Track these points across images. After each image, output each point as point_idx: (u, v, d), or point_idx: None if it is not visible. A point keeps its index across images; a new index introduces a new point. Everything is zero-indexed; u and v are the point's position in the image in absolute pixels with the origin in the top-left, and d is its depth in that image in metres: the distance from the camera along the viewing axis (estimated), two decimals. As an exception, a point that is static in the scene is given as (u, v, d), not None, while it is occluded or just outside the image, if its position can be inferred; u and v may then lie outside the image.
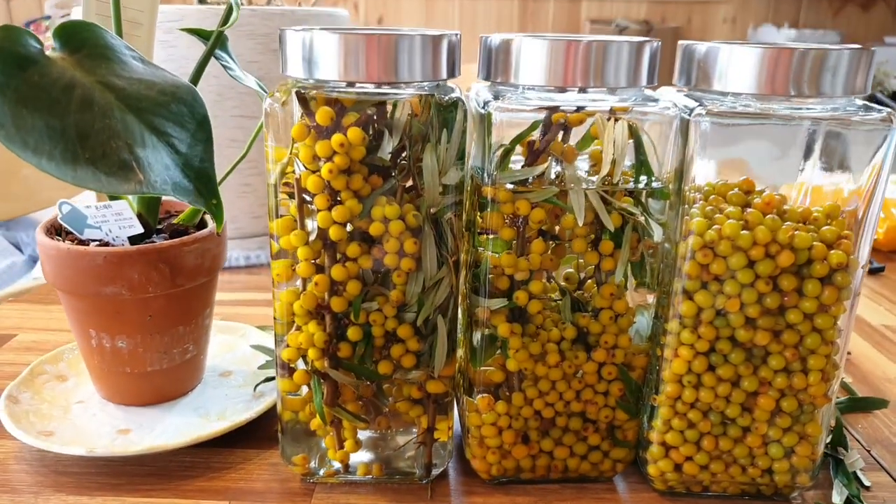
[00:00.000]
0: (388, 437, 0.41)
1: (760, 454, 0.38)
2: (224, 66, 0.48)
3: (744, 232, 0.35)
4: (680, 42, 0.38)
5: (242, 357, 0.53)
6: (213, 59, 0.47)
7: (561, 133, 0.36)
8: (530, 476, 0.41)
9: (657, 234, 0.37)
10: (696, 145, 0.35)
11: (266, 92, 0.45)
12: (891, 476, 0.42)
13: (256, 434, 0.45)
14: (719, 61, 0.35)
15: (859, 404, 0.47)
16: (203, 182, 0.32)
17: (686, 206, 0.36)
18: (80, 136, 0.29)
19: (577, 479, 0.41)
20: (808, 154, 0.36)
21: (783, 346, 0.36)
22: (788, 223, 0.35)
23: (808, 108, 0.35)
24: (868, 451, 0.44)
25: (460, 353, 0.41)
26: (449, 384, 0.39)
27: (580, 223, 0.35)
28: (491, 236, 0.37)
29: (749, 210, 0.35)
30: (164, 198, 0.48)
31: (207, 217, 0.48)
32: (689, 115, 0.35)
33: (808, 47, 0.33)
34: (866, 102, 0.36)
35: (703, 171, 0.36)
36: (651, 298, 0.39)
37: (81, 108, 0.30)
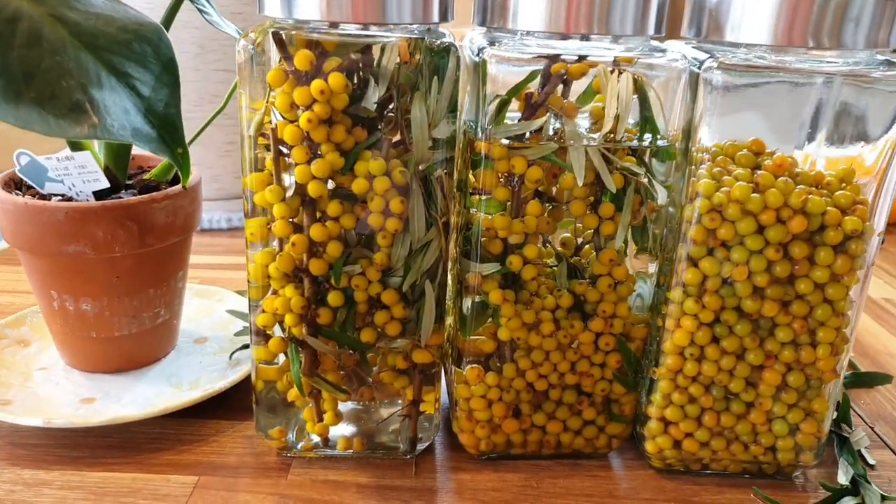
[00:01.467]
0: (371, 410, 0.39)
1: (764, 431, 0.36)
2: (200, 10, 0.44)
3: (754, 195, 0.32)
4: None
5: (219, 322, 0.50)
6: (192, 7, 0.43)
7: (561, 87, 0.33)
8: (521, 452, 0.38)
9: (661, 196, 0.34)
10: (707, 101, 0.32)
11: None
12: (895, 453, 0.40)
13: (231, 404, 0.42)
14: (732, 10, 0.32)
15: (862, 379, 0.45)
16: (168, 129, 0.29)
17: (693, 166, 0.34)
18: (26, 73, 0.26)
19: (570, 455, 0.39)
20: (822, 118, 0.33)
21: (792, 317, 0.34)
22: (801, 186, 0.32)
23: (827, 61, 0.32)
24: (872, 428, 0.43)
25: (449, 320, 0.39)
26: (437, 354, 0.37)
27: (580, 183, 0.32)
28: (484, 196, 0.34)
29: (760, 172, 0.33)
30: (134, 151, 0.45)
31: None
32: (699, 67, 0.32)
33: None
34: (889, 58, 0.33)
35: (713, 130, 0.33)
36: (653, 266, 0.36)
37: (28, 42, 0.27)
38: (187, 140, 0.44)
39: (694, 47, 0.35)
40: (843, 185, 0.33)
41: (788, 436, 0.36)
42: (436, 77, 0.32)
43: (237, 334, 0.47)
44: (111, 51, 0.29)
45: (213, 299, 0.53)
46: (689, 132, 0.34)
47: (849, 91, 0.32)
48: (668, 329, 0.35)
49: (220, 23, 0.45)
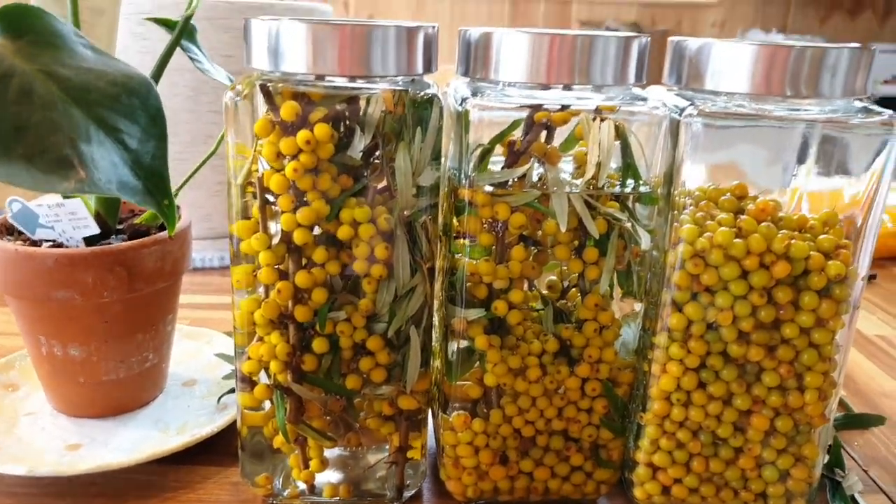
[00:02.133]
0: (359, 456, 0.39)
1: (754, 477, 0.36)
2: (192, 59, 0.45)
3: (737, 240, 0.32)
4: (670, 38, 0.35)
5: (208, 365, 0.50)
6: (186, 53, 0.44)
7: (544, 133, 0.34)
8: (508, 498, 0.38)
9: (644, 241, 0.34)
10: (687, 147, 0.33)
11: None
12: (890, 500, 0.40)
13: (218, 449, 0.42)
14: (712, 59, 0.33)
15: (855, 421, 0.45)
16: (154, 181, 0.29)
17: (675, 211, 0.34)
18: (16, 129, 0.27)
19: (558, 501, 0.38)
20: (803, 158, 0.34)
21: (778, 362, 0.34)
22: (784, 231, 0.33)
23: (804, 110, 0.32)
24: (865, 472, 0.42)
25: (436, 362, 0.39)
26: (423, 400, 0.36)
27: (563, 229, 0.33)
28: (468, 241, 0.34)
29: (742, 217, 0.33)
30: (124, 196, 0.45)
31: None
32: (680, 115, 0.33)
33: (805, 45, 0.31)
34: (866, 104, 0.34)
35: (694, 175, 0.34)
36: (638, 308, 0.36)
37: (19, 98, 0.27)
38: (180, 181, 0.45)
39: (675, 94, 0.36)
40: (827, 228, 0.34)
41: (779, 482, 0.36)
42: (419, 126, 0.32)
43: (225, 377, 0.47)
44: (101, 104, 0.29)
45: (201, 341, 0.53)
46: (671, 177, 0.34)
47: (828, 134, 0.33)
48: (655, 374, 0.35)
49: (210, 70, 0.46)
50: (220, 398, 0.45)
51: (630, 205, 0.35)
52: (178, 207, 0.47)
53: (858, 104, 0.33)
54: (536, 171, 0.34)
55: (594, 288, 0.35)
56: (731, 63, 0.32)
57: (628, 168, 0.34)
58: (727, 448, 0.36)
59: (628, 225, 0.34)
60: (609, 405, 0.36)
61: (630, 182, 0.34)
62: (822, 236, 0.33)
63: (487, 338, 0.35)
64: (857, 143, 0.33)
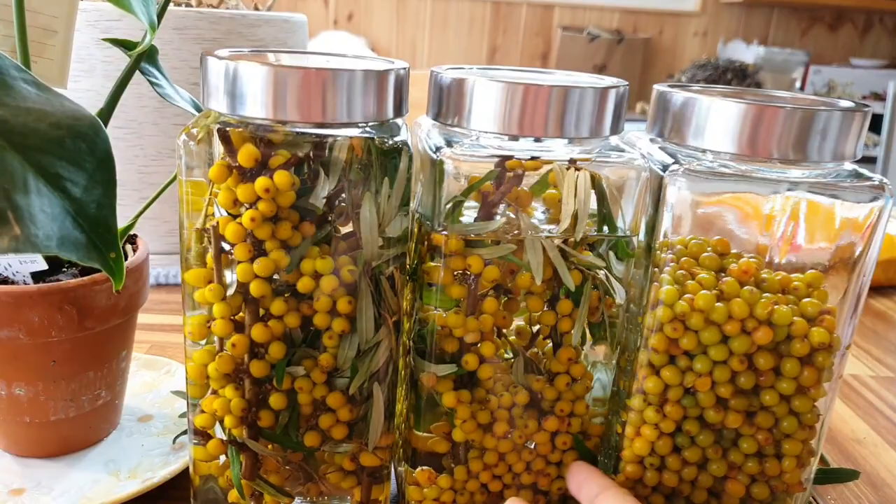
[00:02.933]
0: (319, 506, 0.37)
1: None
2: (152, 84, 0.43)
3: (718, 304, 0.31)
4: (655, 86, 0.34)
5: (166, 399, 0.48)
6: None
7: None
8: (474, 558, 0.37)
9: (619, 295, 0.33)
10: (669, 205, 0.31)
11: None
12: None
13: (172, 493, 0.40)
14: (696, 115, 0.31)
15: (831, 476, 0.44)
16: (99, 233, 0.27)
17: (656, 269, 0.33)
18: (-57, 179, 0.24)
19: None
20: (785, 216, 0.32)
21: (756, 428, 0.33)
22: (767, 295, 0.31)
23: (790, 173, 0.31)
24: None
25: (400, 409, 0.37)
26: (385, 457, 0.35)
27: (538, 282, 0.31)
28: (438, 291, 0.33)
29: (725, 278, 0.32)
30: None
31: (130, 247, 0.44)
32: (664, 171, 0.31)
33: (795, 107, 0.30)
34: (856, 168, 0.33)
35: (676, 231, 0.32)
36: (605, 354, 0.35)
37: (-53, 143, 0.25)
38: (148, 199, 0.43)
39: (659, 147, 0.34)
40: (811, 290, 0.32)
41: None
42: (387, 177, 0.31)
43: (182, 415, 0.45)
44: (41, 150, 0.27)
45: (160, 371, 0.51)
46: (651, 231, 0.33)
47: (812, 195, 0.32)
48: (628, 436, 0.34)
49: (173, 96, 0.43)
50: (175, 437, 0.43)
51: (606, 255, 0.33)
52: (135, 236, 0.45)
53: (849, 167, 0.32)
54: (509, 214, 0.32)
55: (566, 340, 0.34)
56: (717, 122, 0.31)
57: (604, 218, 0.33)
58: None
59: (603, 276, 0.33)
60: (579, 458, 0.35)
61: (605, 233, 0.33)
62: (805, 300, 0.32)
63: (456, 394, 0.33)
64: (842, 208, 0.32)
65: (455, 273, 0.33)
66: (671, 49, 3.05)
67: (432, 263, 0.32)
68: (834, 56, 3.05)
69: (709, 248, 0.33)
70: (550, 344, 0.34)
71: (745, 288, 0.31)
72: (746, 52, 2.80)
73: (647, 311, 0.32)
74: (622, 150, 0.32)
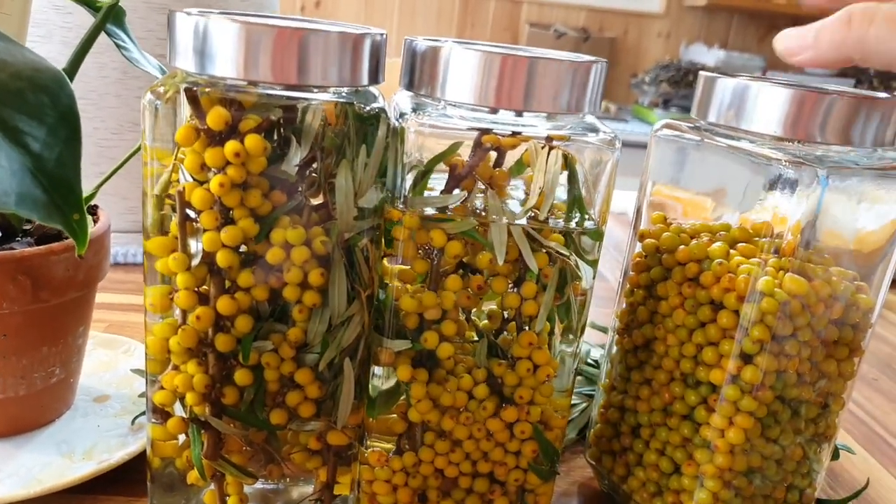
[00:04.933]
0: (282, 490, 0.36)
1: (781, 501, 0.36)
2: (119, 46, 0.41)
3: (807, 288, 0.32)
4: (701, 73, 0.35)
5: (124, 378, 0.46)
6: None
7: (495, 156, 0.32)
8: (433, 541, 0.36)
9: (587, 278, 0.33)
10: (795, 199, 0.31)
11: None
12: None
13: (131, 476, 0.38)
14: (750, 100, 0.32)
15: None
16: (61, 192, 0.26)
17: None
18: None
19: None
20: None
21: (815, 394, 0.34)
22: (833, 273, 0.33)
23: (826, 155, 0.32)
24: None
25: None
26: (353, 435, 0.34)
27: (499, 262, 0.30)
28: (398, 266, 0.32)
29: (775, 259, 0.32)
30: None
31: (90, 217, 0.42)
32: (782, 164, 0.31)
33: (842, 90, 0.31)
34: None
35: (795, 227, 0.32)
36: (573, 347, 0.34)
37: None
38: (107, 173, 0.41)
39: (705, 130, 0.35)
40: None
41: (798, 502, 0.37)
42: (364, 143, 0.30)
43: (141, 395, 0.44)
44: (1, 101, 0.26)
45: (118, 350, 0.49)
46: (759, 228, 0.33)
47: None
48: (718, 427, 0.34)
49: (140, 60, 0.42)
50: (134, 418, 0.42)
51: (575, 238, 0.33)
52: (96, 207, 0.43)
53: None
54: (480, 197, 0.32)
55: (531, 324, 0.33)
56: (769, 105, 0.31)
57: (574, 201, 0.32)
58: (768, 483, 0.36)
59: (572, 261, 0.32)
60: (539, 449, 0.34)
61: (575, 215, 0.33)
62: (834, 268, 0.33)
63: (412, 371, 0.32)
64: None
65: (418, 248, 0.32)
66: (635, 49, 3.08)
67: (392, 239, 0.31)
68: (789, 63, 3.12)
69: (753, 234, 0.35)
70: (516, 333, 0.34)
71: (816, 267, 0.32)
72: (707, 55, 2.84)
73: (741, 304, 0.33)
74: (597, 130, 0.32)
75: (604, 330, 0.60)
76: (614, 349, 0.41)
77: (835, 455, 0.43)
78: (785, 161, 0.31)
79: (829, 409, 0.35)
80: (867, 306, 0.34)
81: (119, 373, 0.47)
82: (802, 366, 0.33)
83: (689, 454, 0.36)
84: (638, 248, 0.39)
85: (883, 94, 0.32)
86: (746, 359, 0.33)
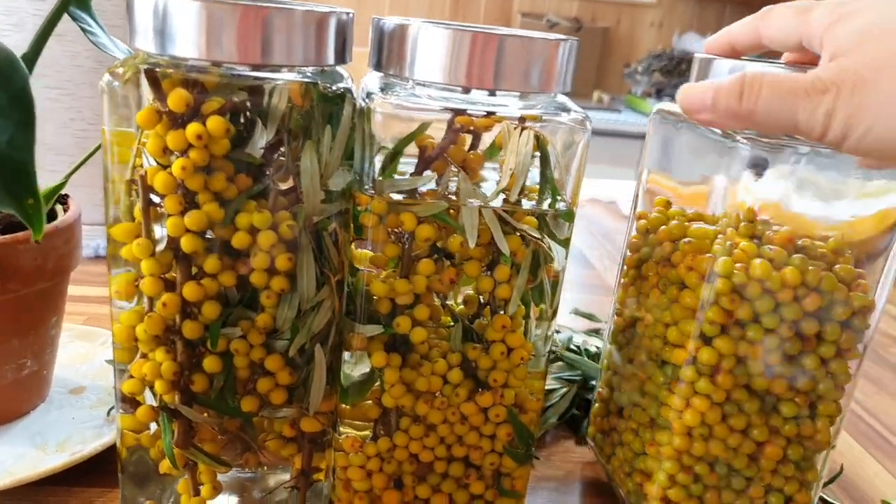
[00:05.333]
0: (259, 477, 0.36)
1: None
2: (84, 31, 0.40)
3: (774, 273, 0.31)
4: (696, 55, 0.35)
5: (100, 370, 0.46)
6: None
7: (470, 139, 0.31)
8: (407, 526, 0.35)
9: (559, 260, 0.32)
10: (735, 173, 0.31)
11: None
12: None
13: (105, 467, 0.38)
14: None
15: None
16: (13, 176, 0.25)
17: (708, 241, 0.33)
18: None
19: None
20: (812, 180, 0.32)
21: (795, 392, 0.33)
22: (813, 263, 0.31)
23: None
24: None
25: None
26: (327, 421, 0.33)
27: (471, 245, 0.30)
28: (367, 251, 0.31)
29: (770, 247, 0.32)
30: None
31: (60, 207, 0.41)
32: (728, 139, 0.31)
33: None
34: None
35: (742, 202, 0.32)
36: (545, 330, 0.34)
37: None
38: (78, 162, 0.40)
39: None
40: (837, 256, 0.33)
41: None
42: (329, 125, 0.29)
43: (117, 387, 0.43)
44: (-54, 83, 0.25)
45: (96, 342, 0.49)
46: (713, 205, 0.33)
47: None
48: (677, 408, 0.33)
49: (108, 45, 0.41)
50: (110, 410, 0.41)
51: (547, 220, 0.32)
52: (67, 196, 0.42)
53: None
54: (454, 180, 0.31)
55: (505, 308, 0.32)
56: None
57: (546, 182, 0.32)
58: (740, 478, 0.35)
59: (544, 243, 0.32)
60: (513, 432, 0.34)
61: (547, 197, 0.32)
62: (837, 266, 0.32)
63: (386, 356, 0.32)
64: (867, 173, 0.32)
65: (389, 232, 0.31)
66: (628, 39, 3.07)
67: (361, 224, 0.31)
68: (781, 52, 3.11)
69: (743, 218, 0.33)
70: (490, 317, 0.33)
71: (794, 256, 0.31)
72: (700, 44, 2.84)
73: (700, 284, 0.32)
74: (568, 110, 0.31)
75: (590, 317, 0.60)
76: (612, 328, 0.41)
77: (837, 475, 0.42)
78: (745, 142, 0.30)
79: (816, 412, 0.34)
80: (861, 304, 0.32)
81: (96, 364, 0.46)
82: (771, 356, 0.32)
83: (653, 435, 0.35)
84: (635, 231, 0.39)
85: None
86: (707, 341, 0.32)
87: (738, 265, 0.31)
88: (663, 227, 0.37)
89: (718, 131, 0.32)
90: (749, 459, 0.34)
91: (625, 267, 0.40)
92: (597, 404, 0.42)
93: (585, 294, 0.72)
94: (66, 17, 0.37)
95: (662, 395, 0.34)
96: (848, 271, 0.32)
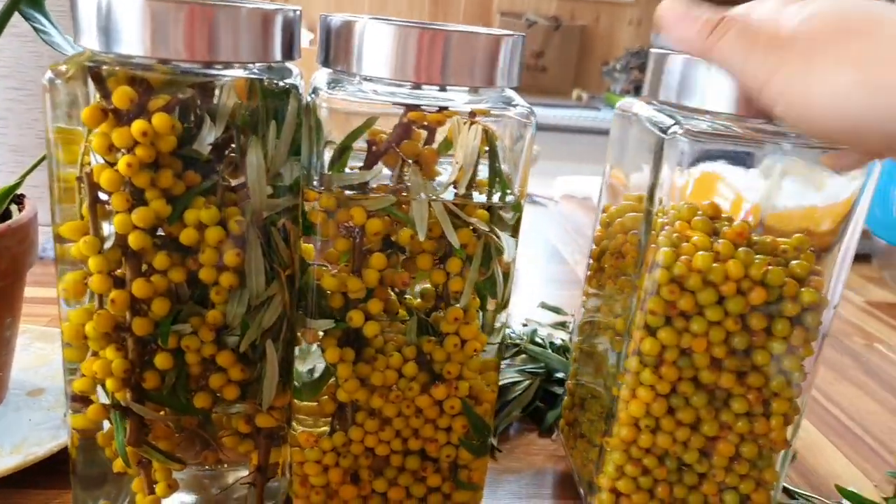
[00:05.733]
0: (218, 475, 0.36)
1: (715, 502, 0.35)
2: (37, 30, 0.40)
3: (715, 265, 0.31)
4: (652, 51, 0.35)
5: (59, 372, 0.45)
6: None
7: (425, 134, 0.31)
8: (364, 520, 0.36)
9: (509, 251, 0.32)
10: (671, 166, 0.31)
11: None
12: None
13: (63, 468, 0.38)
14: (696, 77, 0.32)
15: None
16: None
17: (654, 232, 0.32)
18: None
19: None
20: (775, 177, 0.33)
21: (747, 388, 0.33)
22: (760, 257, 0.32)
23: (784, 133, 0.32)
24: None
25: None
26: (282, 417, 0.34)
27: (421, 238, 0.30)
28: (309, 245, 0.31)
29: (720, 241, 0.32)
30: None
31: (15, 207, 0.41)
32: (664, 133, 0.31)
33: None
34: None
35: (675, 194, 0.32)
36: (502, 321, 0.34)
37: None
38: (31, 163, 0.40)
39: (656, 109, 0.34)
40: (798, 253, 0.33)
41: None
42: (275, 120, 0.29)
43: (77, 387, 0.43)
44: None
45: (56, 344, 0.48)
46: (651, 196, 0.33)
47: (800, 156, 0.32)
48: (624, 398, 0.34)
49: (63, 45, 0.41)
50: (67, 411, 0.41)
51: (497, 213, 0.33)
52: (23, 196, 0.42)
53: None
54: (407, 174, 0.31)
55: (459, 300, 0.33)
56: (715, 83, 0.31)
57: (495, 175, 0.32)
58: (691, 474, 0.35)
59: (495, 236, 0.32)
60: (469, 424, 0.34)
61: (496, 190, 0.32)
62: (794, 262, 0.32)
63: (340, 350, 0.32)
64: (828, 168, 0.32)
65: (339, 227, 0.31)
66: (607, 37, 3.09)
67: (310, 219, 0.31)
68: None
69: (700, 212, 0.33)
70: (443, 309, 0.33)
71: (740, 249, 0.31)
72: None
73: (643, 275, 0.32)
74: (516, 103, 0.32)
75: (556, 310, 0.61)
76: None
77: (791, 458, 0.41)
78: (684, 135, 0.31)
79: (770, 409, 0.34)
80: (811, 300, 0.32)
81: (55, 366, 0.46)
82: (716, 349, 0.32)
83: (607, 427, 0.36)
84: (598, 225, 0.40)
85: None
86: (652, 332, 0.33)
87: (683, 257, 0.31)
88: (619, 219, 0.37)
89: (661, 126, 0.32)
90: (700, 455, 0.34)
91: (590, 260, 0.40)
92: (566, 397, 0.43)
93: (557, 289, 0.73)
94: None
95: (613, 386, 0.35)
96: (803, 267, 0.32)
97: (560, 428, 0.44)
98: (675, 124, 0.31)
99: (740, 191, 0.34)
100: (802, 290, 0.32)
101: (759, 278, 0.31)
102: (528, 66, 2.86)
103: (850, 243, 0.33)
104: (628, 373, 0.33)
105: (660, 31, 0.30)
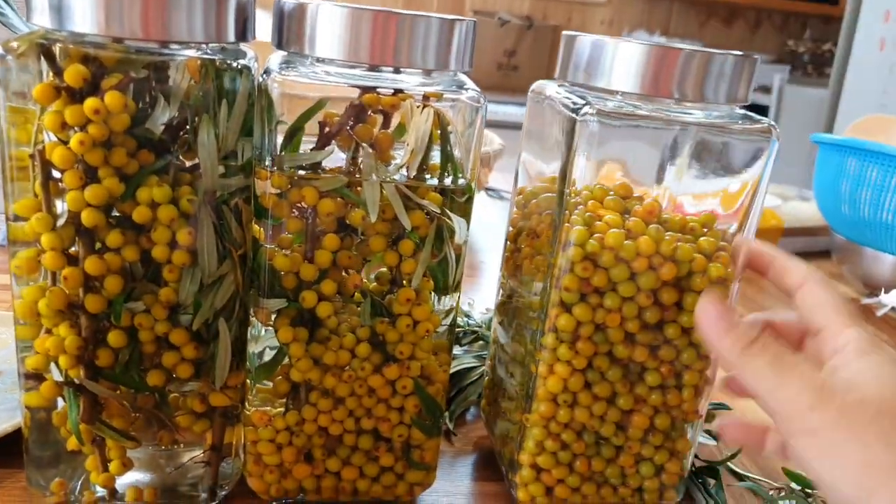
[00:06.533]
0: (174, 454, 0.36)
1: (632, 473, 0.36)
2: (-6, 13, 0.40)
3: (627, 242, 0.32)
4: (564, 32, 0.35)
5: (17, 355, 0.45)
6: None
7: (381, 118, 0.32)
8: (316, 498, 0.36)
9: (460, 233, 0.33)
10: (582, 146, 0.32)
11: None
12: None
13: (13, 449, 0.38)
14: (604, 58, 0.32)
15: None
16: None
17: (567, 211, 0.33)
18: None
19: (369, 502, 0.37)
20: (683, 157, 0.34)
21: (659, 361, 0.34)
22: (670, 234, 0.33)
23: (690, 114, 0.33)
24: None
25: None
26: (236, 396, 0.34)
27: (372, 219, 0.31)
28: (271, 226, 0.32)
29: (631, 218, 0.33)
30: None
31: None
32: (576, 113, 0.32)
33: (694, 49, 0.31)
34: (747, 112, 0.35)
35: (587, 174, 0.33)
36: (451, 304, 0.35)
37: None
38: None
39: (567, 90, 0.35)
40: (706, 229, 0.34)
41: (654, 476, 0.37)
42: (225, 99, 0.30)
43: (33, 370, 0.43)
44: None
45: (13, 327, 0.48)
46: (564, 177, 0.33)
47: (706, 138, 0.33)
48: (541, 375, 0.34)
49: (21, 28, 0.41)
50: (24, 393, 0.41)
51: (449, 195, 0.33)
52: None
53: (740, 111, 0.34)
54: (361, 157, 0.32)
55: (410, 281, 0.33)
56: (623, 63, 0.32)
57: (447, 159, 0.33)
58: (608, 447, 0.36)
59: (447, 218, 0.33)
60: (421, 404, 0.35)
61: (449, 173, 0.33)
62: (702, 238, 0.33)
63: (293, 330, 0.32)
64: (735, 149, 0.34)
65: (292, 207, 0.32)
66: (579, 36, 3.11)
67: (261, 198, 0.32)
68: (728, 49, 3.20)
69: (611, 192, 0.34)
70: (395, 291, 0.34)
71: (651, 227, 0.32)
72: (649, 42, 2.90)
73: (558, 253, 0.33)
74: (468, 87, 0.32)
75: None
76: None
77: (736, 453, 0.43)
78: (593, 115, 0.32)
79: (682, 382, 0.35)
80: (718, 275, 0.32)
81: (12, 349, 0.45)
82: (630, 324, 0.33)
83: (525, 404, 0.36)
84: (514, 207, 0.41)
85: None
86: (567, 308, 0.33)
87: (595, 235, 0.32)
88: (534, 200, 0.38)
89: (571, 107, 0.33)
90: (617, 428, 0.35)
91: (507, 242, 0.41)
92: (487, 377, 0.44)
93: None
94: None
95: (531, 363, 0.36)
96: (710, 243, 0.33)
97: (482, 408, 0.45)
98: (585, 104, 0.32)
99: (650, 170, 0.35)
100: (710, 265, 0.33)
101: (670, 254, 0.32)
102: (501, 64, 2.87)
103: (753, 220, 0.34)
104: (545, 349, 0.34)
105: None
